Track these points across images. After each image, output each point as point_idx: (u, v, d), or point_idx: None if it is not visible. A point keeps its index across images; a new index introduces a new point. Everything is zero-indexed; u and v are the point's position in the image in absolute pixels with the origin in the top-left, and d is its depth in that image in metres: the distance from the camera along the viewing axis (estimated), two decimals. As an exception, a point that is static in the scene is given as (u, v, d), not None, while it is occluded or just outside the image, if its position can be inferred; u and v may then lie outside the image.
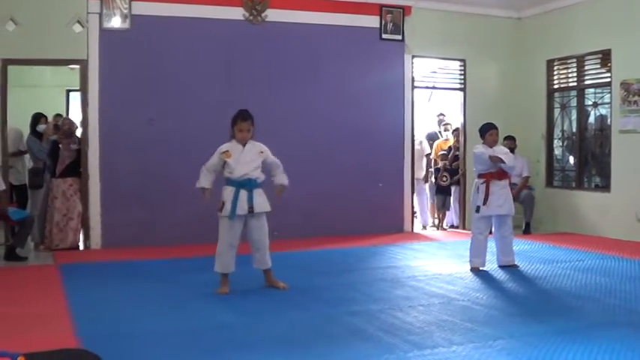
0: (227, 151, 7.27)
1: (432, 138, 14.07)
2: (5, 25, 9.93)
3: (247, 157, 7.27)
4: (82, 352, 3.11)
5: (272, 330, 5.84)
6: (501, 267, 8.69)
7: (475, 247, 8.62)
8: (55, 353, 2.94)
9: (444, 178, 12.94)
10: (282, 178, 7.48)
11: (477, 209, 8.54)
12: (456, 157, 13.00)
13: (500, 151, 8.75)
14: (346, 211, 11.73)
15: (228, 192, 7.22)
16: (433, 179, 13.33)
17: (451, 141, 13.38)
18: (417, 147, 13.13)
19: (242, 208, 7.18)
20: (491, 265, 8.69)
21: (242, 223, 7.30)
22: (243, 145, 7.30)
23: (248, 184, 7.23)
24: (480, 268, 8.54)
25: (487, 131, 8.72)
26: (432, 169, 13.45)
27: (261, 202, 7.32)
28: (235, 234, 7.30)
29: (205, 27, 10.95)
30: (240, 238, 7.39)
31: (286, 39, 11.44)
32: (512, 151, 11.44)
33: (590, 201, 11.83)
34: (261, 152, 7.36)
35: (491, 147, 8.67)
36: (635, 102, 10.84)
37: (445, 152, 13.13)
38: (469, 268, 8.58)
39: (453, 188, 13.02)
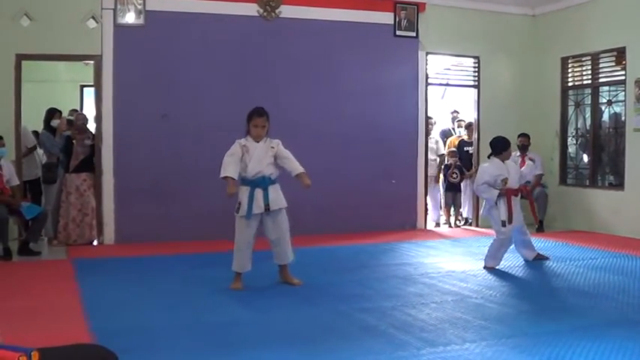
0: (245, 145, 7.27)
1: (445, 135, 14.06)
2: (20, 20, 9.97)
3: (260, 154, 7.26)
4: (96, 347, 3.11)
5: (284, 326, 5.86)
6: (528, 261, 8.87)
7: (496, 250, 8.59)
8: (69, 348, 2.93)
9: (454, 175, 12.89)
10: (296, 167, 7.35)
11: (503, 224, 8.51)
12: (466, 153, 12.97)
13: (512, 166, 8.82)
14: (359, 207, 11.72)
15: (243, 191, 7.22)
16: (443, 176, 13.26)
17: (464, 136, 13.36)
18: (432, 145, 13.13)
19: (258, 206, 7.19)
20: (504, 263, 8.67)
21: (258, 221, 7.32)
22: (257, 142, 7.30)
23: (262, 183, 7.23)
24: (495, 267, 8.54)
25: (506, 149, 8.71)
26: (443, 166, 13.41)
27: (277, 199, 7.32)
28: (251, 233, 7.32)
29: (219, 23, 10.95)
30: (256, 235, 7.41)
31: (300, 35, 11.43)
32: (526, 148, 11.46)
33: (603, 199, 11.78)
34: (272, 147, 7.34)
35: (503, 161, 8.69)
36: (650, 100, 10.81)
37: (455, 149, 13.08)
38: (483, 265, 8.57)
39: (463, 185, 12.96)
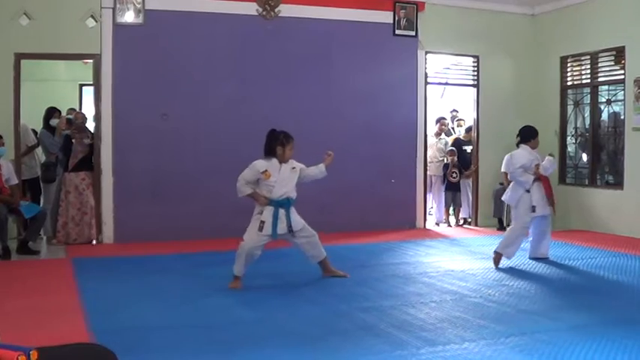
0: (266, 170, 7.32)
1: (445, 134, 14.04)
2: (19, 19, 9.96)
3: (285, 176, 7.39)
4: (95, 346, 3.11)
5: (284, 325, 5.85)
6: (533, 259, 8.94)
7: (514, 237, 8.66)
8: (68, 347, 2.92)
9: (454, 174, 12.86)
10: (317, 167, 7.76)
11: (533, 209, 8.62)
12: (466, 152, 12.96)
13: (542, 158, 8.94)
14: (359, 207, 11.73)
15: (267, 211, 7.29)
16: (442, 175, 13.25)
17: (461, 136, 13.36)
18: (441, 146, 13.16)
19: (282, 227, 7.31)
20: (504, 262, 8.66)
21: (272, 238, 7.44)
22: (280, 164, 7.38)
23: (286, 204, 7.36)
24: (500, 263, 8.55)
25: (534, 137, 8.94)
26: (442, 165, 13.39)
27: (298, 219, 7.48)
28: (261, 250, 7.40)
29: (219, 22, 10.94)
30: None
31: (299, 34, 11.42)
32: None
33: (602, 198, 11.78)
34: (294, 168, 7.49)
35: (533, 148, 8.88)
36: (649, 99, 10.80)
37: (454, 148, 13.06)
38: (493, 254, 8.63)
39: (462, 184, 12.93)
